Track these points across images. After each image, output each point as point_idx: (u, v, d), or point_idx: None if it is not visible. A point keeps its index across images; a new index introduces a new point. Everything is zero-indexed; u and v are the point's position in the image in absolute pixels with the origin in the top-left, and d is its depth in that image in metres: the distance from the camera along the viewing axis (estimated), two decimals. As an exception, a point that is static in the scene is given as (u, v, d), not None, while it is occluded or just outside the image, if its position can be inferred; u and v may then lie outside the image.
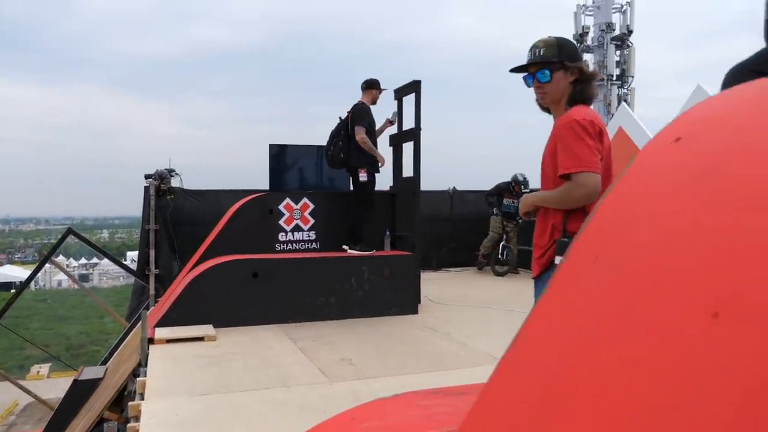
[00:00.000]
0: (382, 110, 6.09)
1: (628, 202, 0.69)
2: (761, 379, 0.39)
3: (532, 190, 8.49)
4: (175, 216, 7.15)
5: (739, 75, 1.08)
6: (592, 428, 0.49)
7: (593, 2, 19.42)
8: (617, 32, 19.19)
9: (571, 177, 2.12)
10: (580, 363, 0.56)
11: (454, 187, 9.30)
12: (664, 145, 0.71)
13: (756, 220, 0.49)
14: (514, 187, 8.25)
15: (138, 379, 3.84)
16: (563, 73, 2.28)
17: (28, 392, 9.32)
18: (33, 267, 9.04)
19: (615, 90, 18.92)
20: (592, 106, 2.38)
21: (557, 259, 2.00)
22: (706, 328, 0.45)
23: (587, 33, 19.52)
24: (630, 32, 19.08)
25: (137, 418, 3.09)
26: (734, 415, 0.39)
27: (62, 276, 49.39)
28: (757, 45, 1.15)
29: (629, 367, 0.50)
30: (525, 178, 8.27)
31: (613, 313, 0.57)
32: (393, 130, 6.29)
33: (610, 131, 6.98)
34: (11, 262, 62.24)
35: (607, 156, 2.22)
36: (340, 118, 5.85)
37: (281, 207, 5.93)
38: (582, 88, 2.31)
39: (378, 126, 6.00)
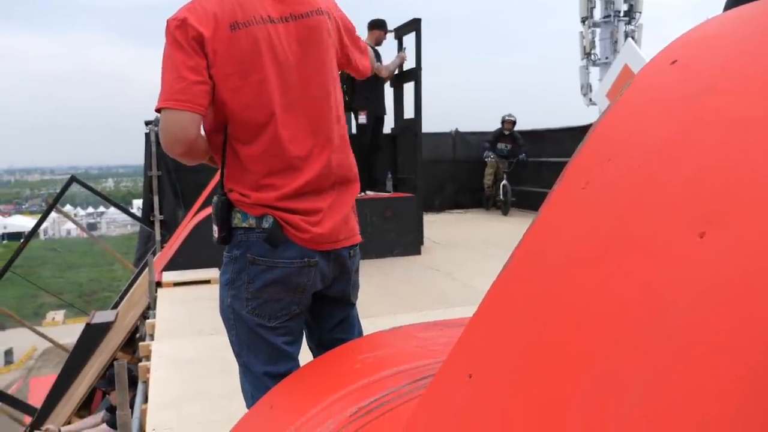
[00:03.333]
0: (385, 54, 5.96)
1: (621, 127, 0.67)
2: (746, 293, 0.39)
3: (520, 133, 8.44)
4: (176, 162, 7.11)
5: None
6: (577, 343, 0.49)
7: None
8: (625, -35, 18.49)
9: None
10: (568, 287, 0.56)
11: (456, 129, 9.21)
12: (660, 67, 0.69)
13: (744, 138, 0.48)
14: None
15: (147, 321, 3.93)
16: None
17: (45, 337, 9.57)
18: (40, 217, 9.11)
19: (622, 27, 18.40)
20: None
21: (215, 229, 1.44)
22: (693, 247, 0.45)
23: (594, -34, 18.81)
24: (638, -35, 18.38)
25: (148, 358, 3.18)
26: (721, 327, 0.39)
27: (71, 225, 49.89)
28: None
29: (615, 288, 0.50)
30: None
31: (601, 238, 0.56)
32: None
33: (615, 69, 6.82)
34: (20, 212, 62.63)
35: (234, 63, 1.31)
36: None
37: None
38: None
39: (386, 62, 5.86)
